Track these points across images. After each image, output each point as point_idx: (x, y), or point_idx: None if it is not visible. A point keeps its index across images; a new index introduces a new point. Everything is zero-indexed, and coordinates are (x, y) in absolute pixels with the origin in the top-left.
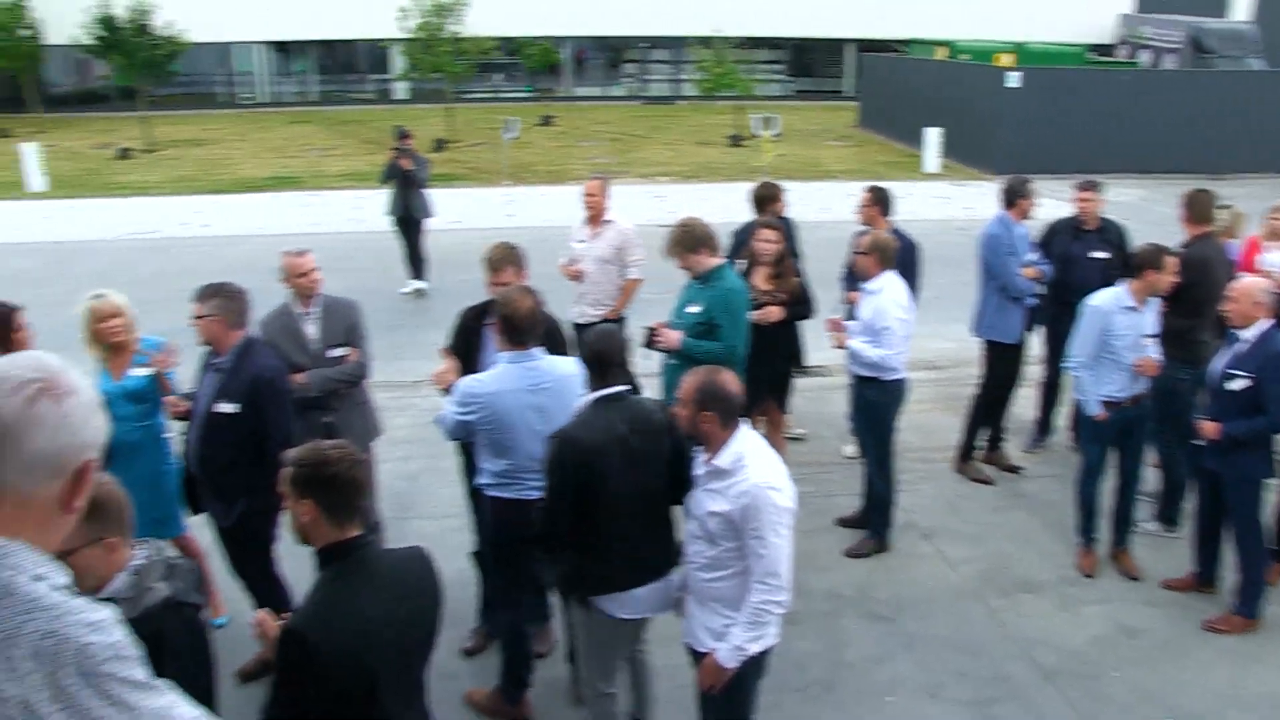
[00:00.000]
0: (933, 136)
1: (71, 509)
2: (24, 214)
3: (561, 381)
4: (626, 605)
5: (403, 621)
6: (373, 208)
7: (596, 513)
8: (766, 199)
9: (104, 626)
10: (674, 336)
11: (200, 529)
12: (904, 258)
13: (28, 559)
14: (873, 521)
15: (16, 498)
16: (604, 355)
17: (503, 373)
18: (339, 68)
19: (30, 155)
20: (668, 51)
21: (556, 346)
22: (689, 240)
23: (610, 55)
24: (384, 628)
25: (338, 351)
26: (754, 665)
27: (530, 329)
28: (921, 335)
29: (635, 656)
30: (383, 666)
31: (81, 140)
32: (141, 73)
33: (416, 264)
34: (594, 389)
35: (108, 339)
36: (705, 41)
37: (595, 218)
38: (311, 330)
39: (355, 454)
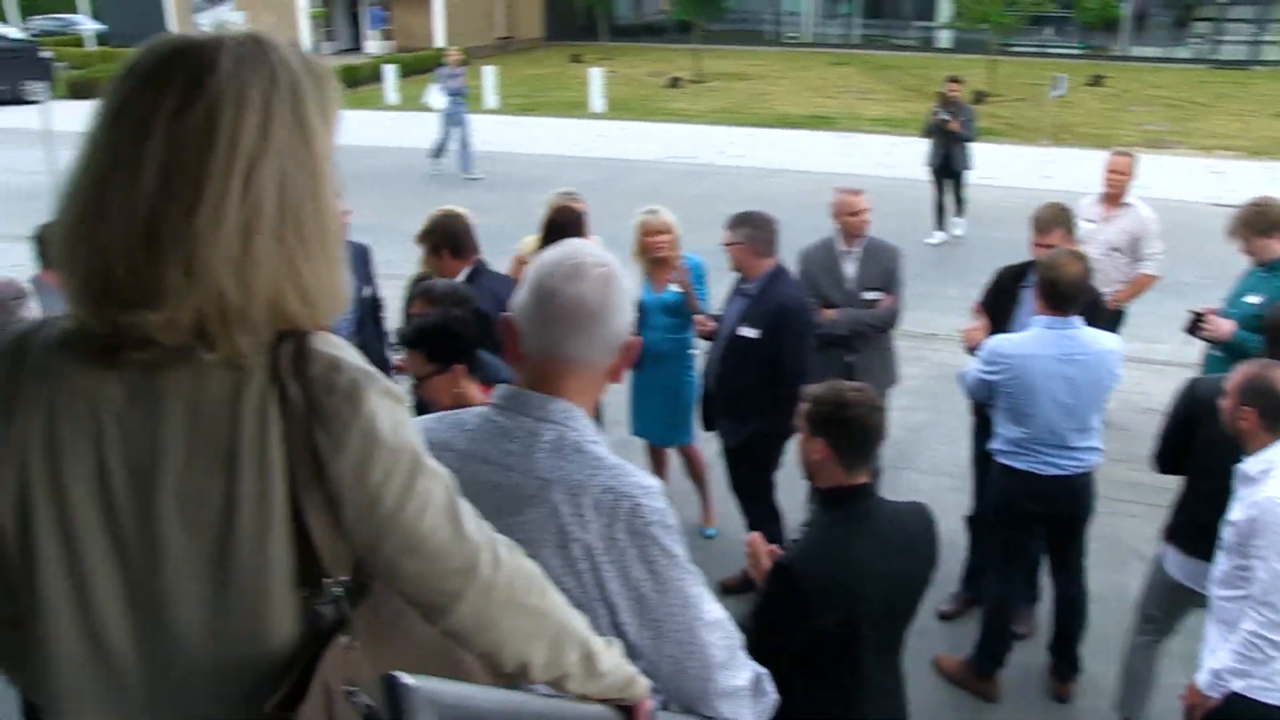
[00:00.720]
0: None
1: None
2: (586, 131)
3: (1097, 356)
4: (1179, 567)
5: (895, 576)
6: (905, 155)
7: (1190, 466)
8: None
9: (655, 493)
10: (1225, 326)
11: (706, 443)
12: None
13: (587, 424)
14: None
15: (587, 371)
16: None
17: (1036, 336)
18: (884, 12)
19: (596, 79)
20: (1251, 9)
21: (1097, 319)
22: (1261, 222)
23: (1179, 13)
24: (876, 580)
25: (871, 294)
26: (1251, 710)
27: (1074, 295)
28: None
29: None
30: (867, 616)
31: (638, 68)
32: (698, 8)
33: (949, 214)
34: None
35: (653, 252)
36: None
37: (1114, 198)
38: (850, 269)
39: (875, 399)
